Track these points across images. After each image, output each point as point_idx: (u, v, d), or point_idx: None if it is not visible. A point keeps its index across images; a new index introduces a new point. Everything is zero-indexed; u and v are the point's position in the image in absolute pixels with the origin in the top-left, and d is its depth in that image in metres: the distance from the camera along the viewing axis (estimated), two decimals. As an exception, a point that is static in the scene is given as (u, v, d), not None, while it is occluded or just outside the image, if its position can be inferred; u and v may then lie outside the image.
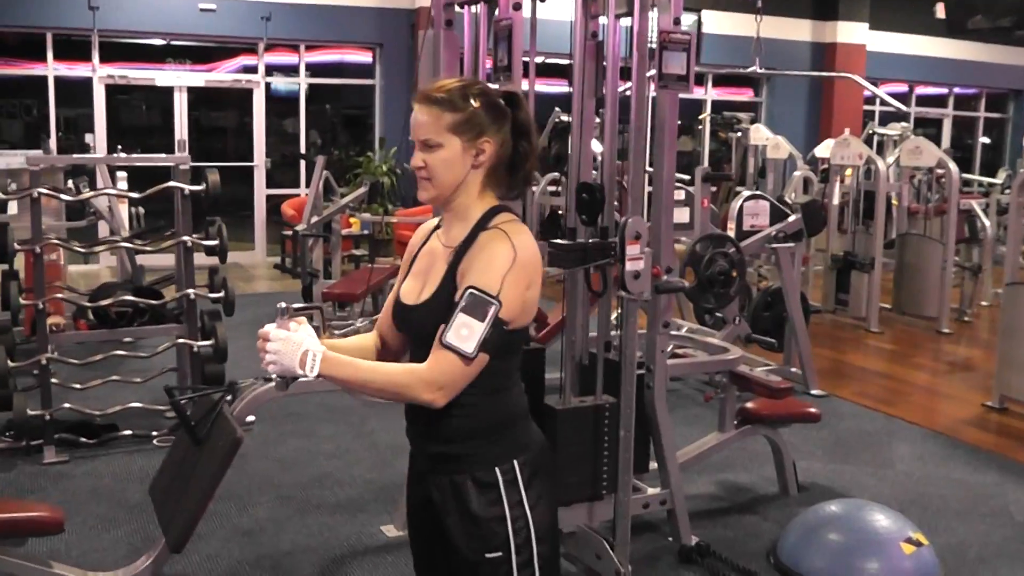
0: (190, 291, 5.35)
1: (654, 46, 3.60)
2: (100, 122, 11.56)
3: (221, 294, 5.54)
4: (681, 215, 6.62)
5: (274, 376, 1.98)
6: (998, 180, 11.95)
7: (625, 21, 3.79)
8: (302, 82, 12.44)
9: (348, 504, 4.59)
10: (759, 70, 8.49)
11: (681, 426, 5.38)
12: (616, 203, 3.78)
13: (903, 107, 9.83)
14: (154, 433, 5.32)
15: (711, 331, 6.27)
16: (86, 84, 11.46)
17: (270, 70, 12.27)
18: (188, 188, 5.29)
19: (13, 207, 7.02)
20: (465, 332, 1.98)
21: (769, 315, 6.50)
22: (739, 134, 11.32)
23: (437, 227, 2.25)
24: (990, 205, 10.28)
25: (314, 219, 8.64)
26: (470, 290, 2.00)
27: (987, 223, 9.30)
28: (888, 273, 8.84)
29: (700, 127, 14.24)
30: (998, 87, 17.91)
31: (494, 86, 2.82)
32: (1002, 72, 17.13)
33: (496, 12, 3.59)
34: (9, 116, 11.95)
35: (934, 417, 6.14)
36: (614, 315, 4.19)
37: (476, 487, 2.12)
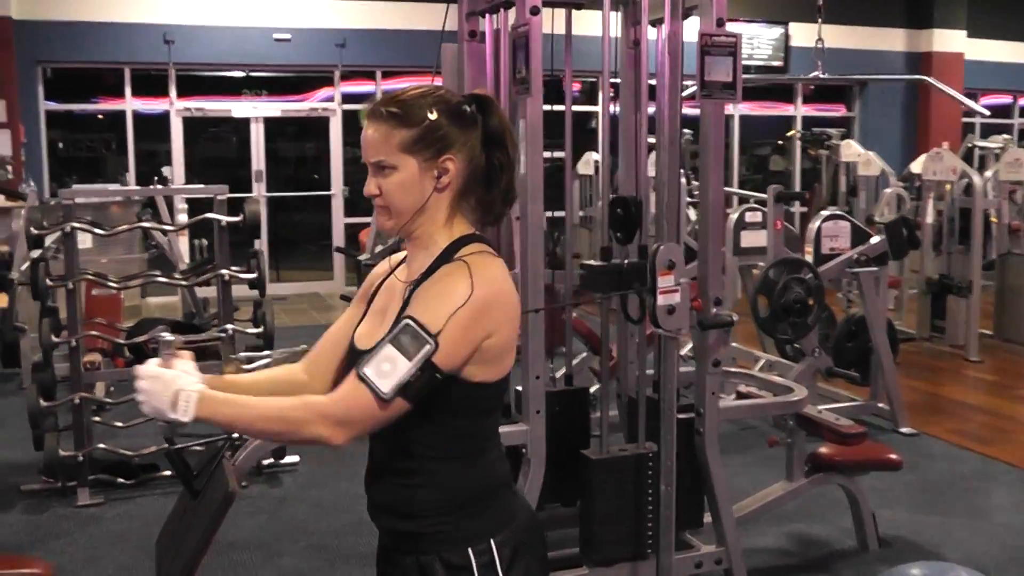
0: (229, 326, 5.13)
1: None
2: (178, 155, 11.60)
3: (261, 328, 5.32)
4: (757, 238, 6.20)
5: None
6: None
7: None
8: (379, 109, 12.30)
9: (385, 555, 4.27)
10: (821, 76, 7.99)
11: (755, 468, 4.97)
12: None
13: (980, 108, 9.15)
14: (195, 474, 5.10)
15: (790, 364, 5.82)
16: (163, 118, 11.52)
17: (347, 98, 12.16)
18: (225, 219, 5.09)
19: (87, 240, 7.00)
20: (387, 367, 1.65)
21: (853, 345, 5.99)
22: (829, 151, 10.74)
23: (404, 260, 1.93)
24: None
25: (378, 248, 8.43)
26: (406, 320, 1.67)
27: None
28: (988, 297, 8.26)
29: (786, 144, 13.68)
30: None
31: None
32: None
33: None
34: (89, 151, 12.08)
35: (1040, 459, 5.54)
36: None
37: (445, 571, 1.78)
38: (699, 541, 3.62)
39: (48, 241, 5.39)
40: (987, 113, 9.59)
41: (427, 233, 1.81)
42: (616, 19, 3.58)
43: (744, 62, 12.50)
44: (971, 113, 11.46)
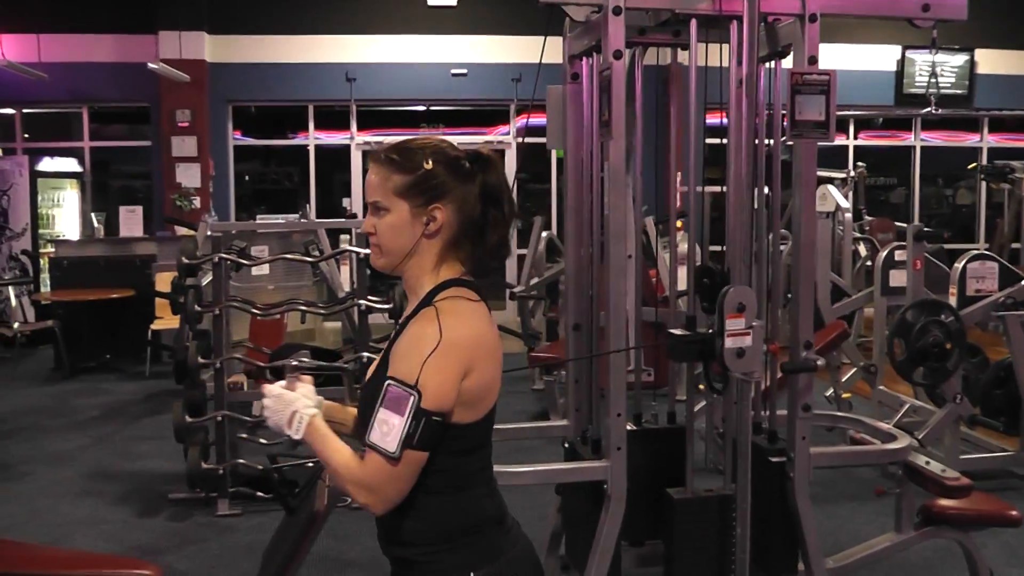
0: (364, 354, 5.37)
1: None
2: (357, 187, 12.14)
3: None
4: (902, 278, 5.98)
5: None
6: None
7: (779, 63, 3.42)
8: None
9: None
10: (935, 111, 7.57)
11: (865, 516, 4.79)
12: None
13: None
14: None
15: (935, 410, 5.56)
16: (344, 151, 12.11)
17: (523, 131, 12.41)
18: (363, 252, 5.34)
19: (264, 267, 7.46)
20: (385, 429, 1.75)
21: (1002, 393, 5.66)
22: (1011, 184, 10.17)
23: None
24: None
25: (534, 280, 8.57)
26: (388, 382, 1.78)
27: None
28: None
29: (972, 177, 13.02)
30: None
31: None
32: None
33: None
34: (275, 183, 12.82)
35: None
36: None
37: None
38: (793, 589, 3.52)
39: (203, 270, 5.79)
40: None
41: (415, 276, 1.91)
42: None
43: (925, 92, 11.90)
44: None
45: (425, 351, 1.76)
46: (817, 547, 3.42)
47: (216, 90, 11.28)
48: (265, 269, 7.72)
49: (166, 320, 8.69)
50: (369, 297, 5.37)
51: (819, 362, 3.19)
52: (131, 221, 9.70)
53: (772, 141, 3.46)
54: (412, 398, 1.74)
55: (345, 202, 12.16)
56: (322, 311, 5.59)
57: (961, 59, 12.19)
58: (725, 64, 3.42)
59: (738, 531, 3.15)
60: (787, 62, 3.35)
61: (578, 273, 3.67)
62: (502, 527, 1.95)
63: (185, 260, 5.15)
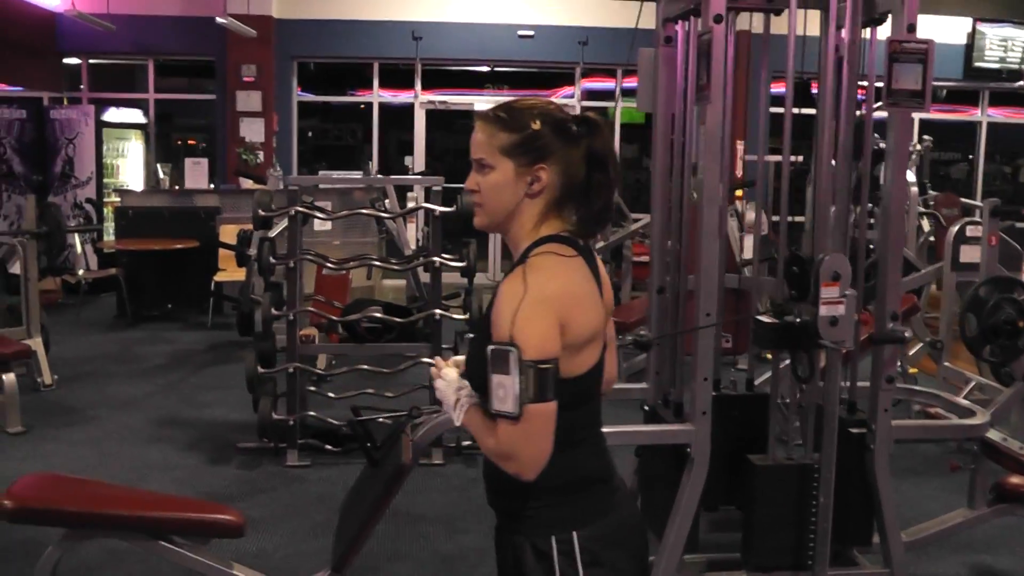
0: (436, 311, 5.41)
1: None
2: (419, 145, 12.18)
3: (468, 315, 5.57)
4: (972, 254, 5.91)
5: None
6: None
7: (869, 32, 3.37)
8: (618, 106, 12.41)
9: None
10: None
11: (940, 492, 4.77)
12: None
13: None
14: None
15: (1001, 388, 5.51)
16: (408, 109, 12.13)
17: (587, 94, 12.35)
18: (439, 209, 5.37)
19: (327, 223, 7.52)
20: (501, 393, 1.75)
21: (1075, 374, 5.59)
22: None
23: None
24: None
25: (600, 244, 8.56)
26: (489, 349, 1.78)
27: None
28: None
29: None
30: None
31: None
32: None
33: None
34: (337, 140, 12.89)
35: None
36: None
37: (533, 554, 1.89)
38: (865, 560, 3.54)
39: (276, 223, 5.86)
40: None
41: (516, 236, 1.92)
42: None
43: (995, 66, 11.78)
44: None
45: (511, 308, 1.76)
46: (894, 520, 3.43)
47: (282, 46, 11.33)
48: (328, 225, 7.79)
49: (229, 272, 8.80)
50: (442, 255, 5.41)
51: (907, 334, 3.18)
52: (196, 173, 9.81)
53: (863, 111, 3.43)
54: (512, 354, 1.73)
55: (407, 160, 12.20)
56: (396, 267, 5.64)
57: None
58: (811, 33, 3.39)
59: (821, 500, 3.16)
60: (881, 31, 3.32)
61: (662, 236, 3.68)
62: (608, 487, 1.96)
63: (262, 212, 5.21)
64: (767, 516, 3.33)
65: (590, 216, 1.92)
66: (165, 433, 5.78)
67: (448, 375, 1.95)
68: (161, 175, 10.40)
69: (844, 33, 3.25)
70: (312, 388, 5.67)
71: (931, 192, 10.40)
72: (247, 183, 9.72)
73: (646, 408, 3.70)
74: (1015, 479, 3.82)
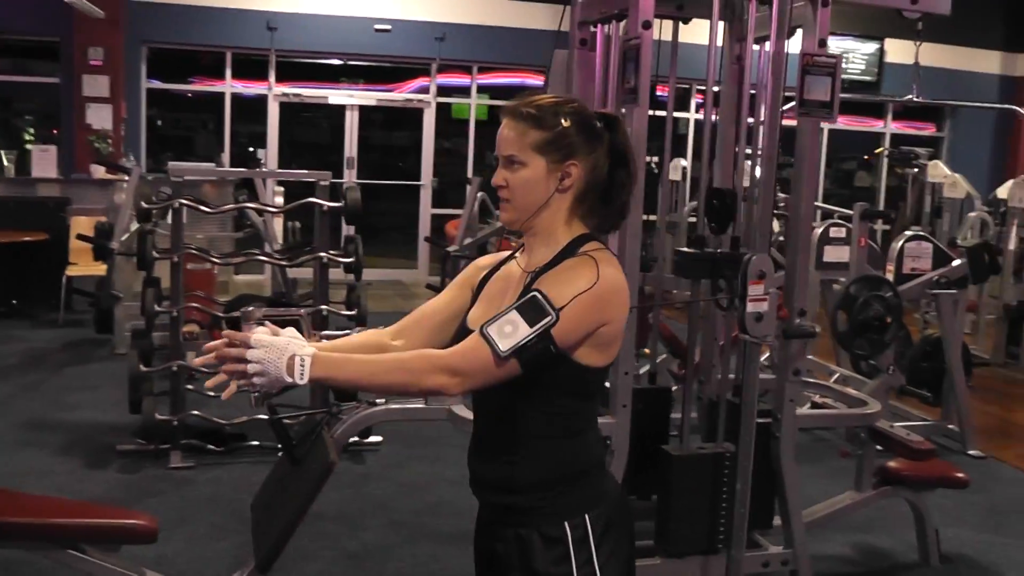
0: (323, 307, 5.36)
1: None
2: (272, 138, 11.91)
3: (355, 311, 5.53)
4: (840, 253, 6.25)
5: (253, 391, 1.74)
6: None
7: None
8: (473, 103, 12.46)
9: (461, 536, 4.42)
10: (915, 99, 7.97)
11: (825, 478, 5.05)
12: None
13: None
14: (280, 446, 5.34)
15: (863, 379, 5.87)
16: (261, 101, 11.85)
17: (442, 90, 12.34)
18: (327, 204, 5.32)
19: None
20: (508, 329, 1.78)
21: (928, 366, 6.02)
22: (916, 170, 10.68)
23: (511, 256, 2.08)
24: None
25: (468, 240, 8.62)
26: (534, 292, 1.82)
27: None
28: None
29: (873, 161, 13.58)
30: None
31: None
32: None
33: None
34: (186, 130, 12.48)
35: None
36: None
37: (543, 542, 1.92)
38: (767, 542, 3.73)
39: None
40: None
41: (547, 229, 1.95)
42: (722, 32, 3.69)
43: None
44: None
45: (580, 288, 1.81)
46: (799, 504, 3.63)
47: (132, 29, 10.87)
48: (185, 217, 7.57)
49: (82, 266, 8.41)
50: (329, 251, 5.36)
51: (816, 329, 3.37)
52: (44, 161, 9.31)
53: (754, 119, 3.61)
54: (550, 318, 1.78)
55: (260, 153, 11.92)
56: (283, 262, 5.54)
57: (872, 47, 12.67)
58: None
59: (738, 486, 3.31)
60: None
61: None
62: (604, 470, 2.05)
63: (144, 204, 5.03)
64: (682, 504, 3.47)
65: (613, 212, 1.97)
66: (34, 437, 5.48)
67: (262, 340, 1.71)
68: (5, 162, 9.80)
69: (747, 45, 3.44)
70: (190, 387, 5.50)
71: (780, 195, 10.91)
72: (100, 171, 9.28)
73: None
74: (896, 463, 4.11)
